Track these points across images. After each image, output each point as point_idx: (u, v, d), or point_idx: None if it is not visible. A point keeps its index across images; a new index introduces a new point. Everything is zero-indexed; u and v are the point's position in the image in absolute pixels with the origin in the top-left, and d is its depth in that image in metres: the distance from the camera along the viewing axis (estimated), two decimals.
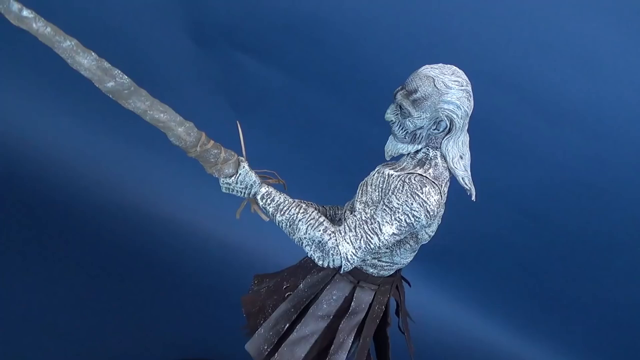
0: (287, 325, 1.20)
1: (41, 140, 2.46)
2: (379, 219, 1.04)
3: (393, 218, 1.03)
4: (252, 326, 1.29)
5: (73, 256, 2.07)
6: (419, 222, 1.04)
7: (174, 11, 2.31)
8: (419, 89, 1.05)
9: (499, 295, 2.45)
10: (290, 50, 2.24)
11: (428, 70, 1.06)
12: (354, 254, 1.05)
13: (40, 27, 0.83)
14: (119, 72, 0.92)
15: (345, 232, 1.06)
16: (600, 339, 2.42)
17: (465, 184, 1.12)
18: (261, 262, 2.25)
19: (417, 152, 1.11)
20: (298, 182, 2.37)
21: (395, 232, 1.04)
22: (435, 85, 1.05)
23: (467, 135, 1.13)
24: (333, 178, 2.31)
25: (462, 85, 1.06)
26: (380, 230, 1.04)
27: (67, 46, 0.86)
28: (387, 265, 1.18)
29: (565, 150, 2.14)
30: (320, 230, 1.05)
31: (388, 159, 1.15)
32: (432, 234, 1.15)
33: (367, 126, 2.20)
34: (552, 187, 2.21)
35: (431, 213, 1.04)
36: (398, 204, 1.03)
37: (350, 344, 1.19)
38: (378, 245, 1.05)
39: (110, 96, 0.94)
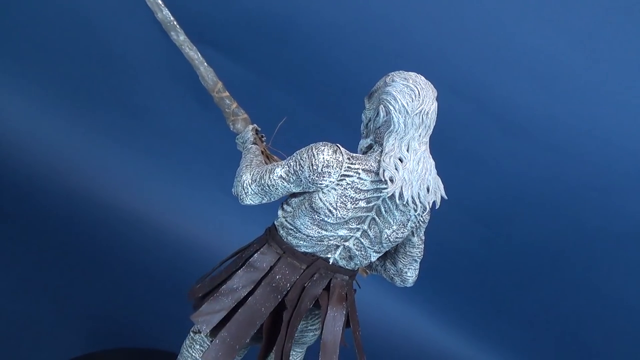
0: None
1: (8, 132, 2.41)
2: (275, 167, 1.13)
3: (285, 164, 1.10)
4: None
5: (34, 245, 2.05)
6: (303, 172, 1.06)
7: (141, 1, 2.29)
8: (375, 84, 1.13)
9: (450, 300, 2.50)
10: (256, 47, 2.25)
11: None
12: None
13: None
14: (167, 10, 1.25)
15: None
16: (547, 346, 2.50)
17: (385, 177, 1.05)
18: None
19: (368, 147, 1.15)
20: None
21: (282, 174, 1.09)
22: (385, 79, 1.11)
23: (424, 147, 1.10)
24: None
25: (407, 81, 1.08)
26: (274, 172, 1.11)
27: None
28: (292, 231, 1.14)
29: (518, 161, 2.22)
30: None
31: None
32: (334, 211, 1.08)
33: (330, 126, 2.23)
34: (505, 197, 2.28)
35: (314, 167, 1.05)
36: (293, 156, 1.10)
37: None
38: (269, 184, 1.10)
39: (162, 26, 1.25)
